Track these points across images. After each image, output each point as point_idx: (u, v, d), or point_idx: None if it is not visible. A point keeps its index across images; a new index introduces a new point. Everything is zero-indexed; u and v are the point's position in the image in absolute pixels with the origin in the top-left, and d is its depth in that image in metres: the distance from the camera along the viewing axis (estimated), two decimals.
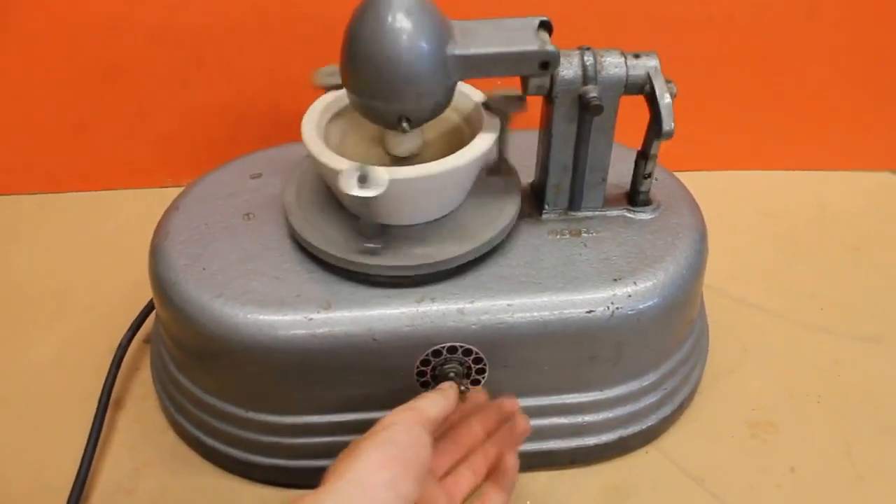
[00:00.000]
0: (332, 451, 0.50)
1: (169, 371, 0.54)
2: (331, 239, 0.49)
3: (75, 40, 0.71)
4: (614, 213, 0.54)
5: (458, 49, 0.44)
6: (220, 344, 0.48)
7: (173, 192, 0.78)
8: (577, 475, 0.53)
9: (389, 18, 0.43)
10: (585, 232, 0.52)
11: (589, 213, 0.53)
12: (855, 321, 0.64)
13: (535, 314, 0.48)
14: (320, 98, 0.52)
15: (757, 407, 0.58)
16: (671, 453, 0.55)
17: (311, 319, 0.47)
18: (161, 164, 0.78)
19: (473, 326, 0.47)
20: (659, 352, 0.53)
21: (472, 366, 0.49)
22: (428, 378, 0.49)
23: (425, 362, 0.48)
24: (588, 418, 0.52)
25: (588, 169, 0.51)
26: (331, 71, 0.50)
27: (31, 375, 0.60)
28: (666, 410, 0.55)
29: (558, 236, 0.52)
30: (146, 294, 0.64)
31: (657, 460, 0.54)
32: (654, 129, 0.48)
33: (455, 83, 0.46)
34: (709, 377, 0.59)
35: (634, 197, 0.54)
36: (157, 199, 0.77)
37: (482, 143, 0.47)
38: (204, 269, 0.50)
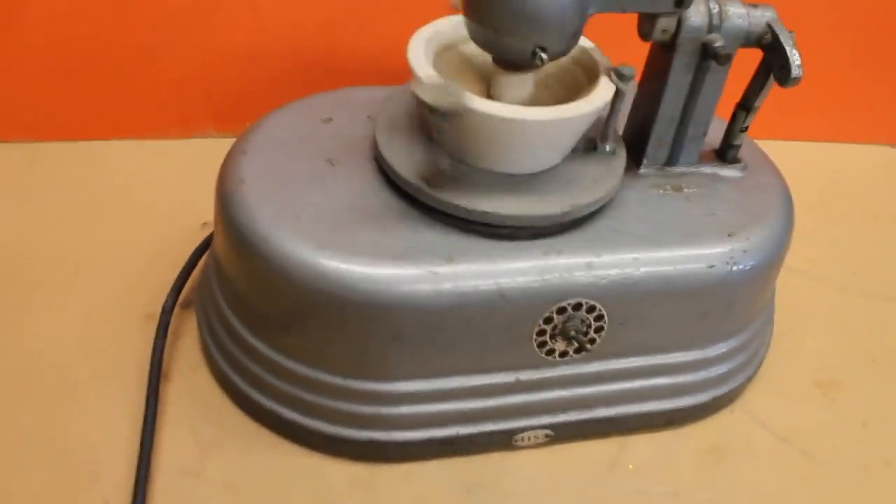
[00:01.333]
0: (433, 421, 0.48)
1: (238, 337, 0.48)
2: (449, 188, 0.45)
3: None
4: (707, 169, 0.53)
5: None
6: (328, 303, 0.43)
7: (181, 145, 0.72)
8: (673, 437, 0.52)
9: None
10: (686, 187, 0.51)
11: (685, 169, 0.52)
12: (887, 284, 0.67)
13: (660, 268, 0.46)
14: (420, 31, 0.48)
15: (820, 367, 0.59)
16: (755, 413, 0.55)
17: (434, 273, 0.43)
18: (168, 114, 0.70)
19: (603, 281, 0.45)
20: (754, 310, 0.52)
21: (593, 323, 0.46)
22: (547, 338, 0.46)
23: (548, 320, 0.45)
24: (688, 378, 0.51)
25: (693, 123, 0.50)
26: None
27: (55, 355, 0.52)
28: (750, 370, 0.55)
29: (661, 191, 0.51)
30: (168, 254, 0.58)
31: (743, 420, 0.54)
32: (779, 75, 0.47)
33: (589, 16, 0.44)
34: (773, 340, 0.60)
35: (726, 153, 0.53)
36: (164, 151, 0.71)
37: (605, 91, 0.45)
38: (298, 217, 0.45)
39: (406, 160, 0.46)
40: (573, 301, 0.45)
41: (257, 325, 0.47)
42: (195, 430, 0.49)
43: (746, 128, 0.52)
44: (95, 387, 0.50)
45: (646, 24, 0.46)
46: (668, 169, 0.52)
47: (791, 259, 0.68)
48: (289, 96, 0.72)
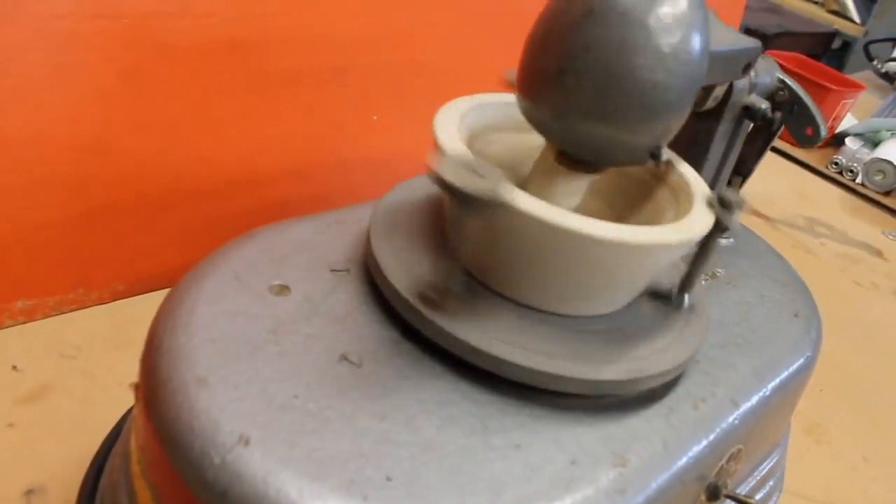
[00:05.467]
0: None
1: None
2: (556, 356, 0.31)
3: None
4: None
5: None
6: None
7: None
8: None
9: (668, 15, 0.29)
10: (716, 271, 0.44)
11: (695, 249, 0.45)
12: None
13: (775, 376, 0.38)
14: (456, 102, 0.33)
15: (798, 411, 0.57)
16: (795, 490, 0.50)
17: (621, 491, 0.29)
18: None
19: (748, 416, 0.35)
20: None
21: (733, 469, 0.37)
22: None
23: (709, 488, 0.34)
24: (774, 478, 0.44)
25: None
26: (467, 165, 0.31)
27: None
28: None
29: (703, 283, 0.43)
30: None
31: (790, 500, 0.50)
32: (805, 133, 0.43)
33: None
34: None
35: (718, 223, 0.48)
36: None
37: (704, 214, 0.34)
38: (389, 478, 0.26)
39: (481, 327, 0.31)
40: (731, 452, 0.35)
41: None
42: None
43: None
44: None
45: (702, 96, 0.38)
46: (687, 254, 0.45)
47: None
48: (71, 250, 0.49)
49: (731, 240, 0.48)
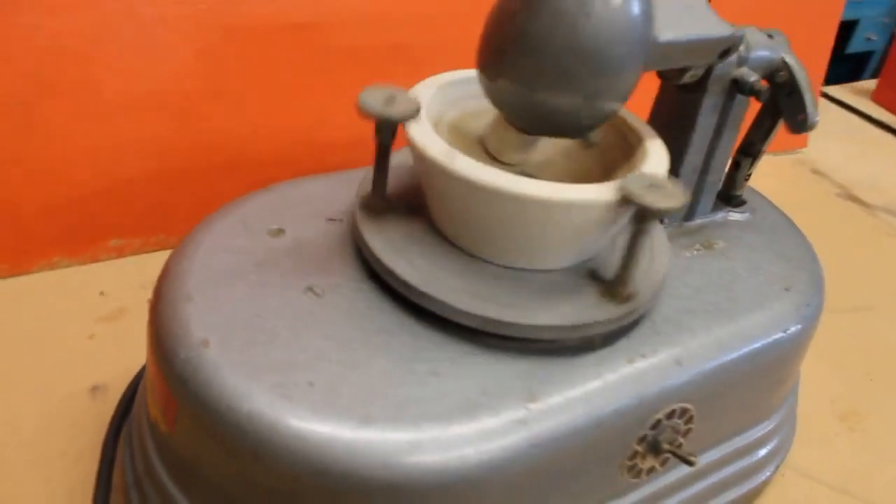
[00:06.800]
0: None
1: None
2: (493, 299, 0.34)
3: None
4: (720, 217, 0.47)
5: (664, 34, 0.34)
6: (393, 493, 0.30)
7: (18, 285, 0.53)
8: None
9: None
10: (715, 243, 0.45)
11: (702, 222, 0.46)
12: (846, 296, 0.66)
13: (742, 344, 0.39)
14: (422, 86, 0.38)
15: (835, 398, 0.56)
16: (803, 469, 0.50)
17: (521, 421, 0.32)
18: None
19: (696, 377, 0.37)
20: (801, 361, 0.47)
21: (682, 428, 0.38)
22: (637, 460, 0.37)
23: (642, 439, 0.36)
24: (760, 454, 0.45)
25: (713, 168, 0.44)
26: (385, 96, 0.35)
27: None
28: (795, 426, 0.50)
29: (694, 252, 0.44)
30: (55, 438, 0.43)
31: (796, 481, 0.49)
32: (795, 119, 0.42)
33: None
34: None
35: (730, 198, 0.48)
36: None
37: (660, 154, 0.37)
38: (311, 383, 0.32)
39: (428, 274, 0.35)
40: (668, 409, 0.36)
41: None
42: None
43: (749, 175, 0.47)
44: None
45: (674, 73, 0.39)
46: (687, 224, 0.46)
47: None
48: (156, 201, 0.57)
49: (747, 214, 0.48)
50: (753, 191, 0.51)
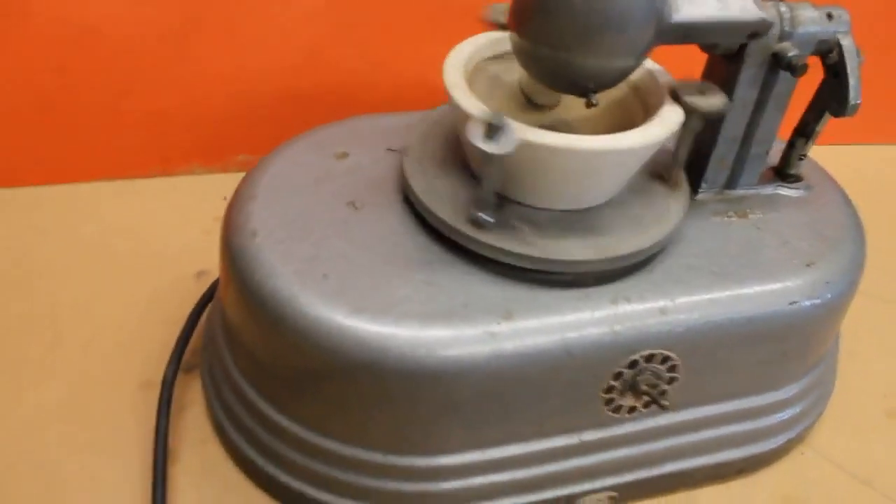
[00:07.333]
0: (487, 494, 0.42)
1: (256, 409, 0.42)
2: (498, 230, 0.39)
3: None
4: (768, 190, 0.48)
5: (680, 13, 0.37)
6: (369, 373, 0.37)
7: (162, 184, 0.65)
8: (744, 487, 0.47)
9: None
10: (751, 213, 0.46)
11: (745, 192, 0.47)
12: None
13: (739, 308, 0.41)
14: (451, 59, 0.42)
15: (888, 394, 0.54)
16: (828, 453, 0.50)
17: (492, 334, 0.37)
18: (148, 151, 0.63)
19: (678, 328, 0.39)
20: (827, 342, 0.48)
21: (665, 375, 0.41)
22: (615, 395, 0.41)
23: (618, 375, 0.40)
24: (763, 423, 0.46)
25: (756, 141, 0.45)
26: (505, 8, 0.40)
27: (35, 431, 0.45)
28: (822, 407, 0.50)
29: (725, 218, 0.45)
30: (160, 310, 0.51)
31: (817, 463, 0.49)
32: (836, 102, 0.42)
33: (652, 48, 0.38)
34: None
35: (785, 175, 0.48)
36: (146, 192, 0.64)
37: (661, 130, 0.39)
38: (325, 275, 0.38)
39: (445, 200, 0.40)
40: (646, 353, 0.39)
41: (279, 397, 0.41)
42: None
43: (805, 156, 0.47)
44: (92, 470, 0.43)
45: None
46: (728, 192, 0.47)
47: None
48: (281, 125, 0.65)
49: (801, 191, 0.48)
50: (819, 170, 0.51)
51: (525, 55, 0.38)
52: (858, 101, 0.42)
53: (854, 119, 0.79)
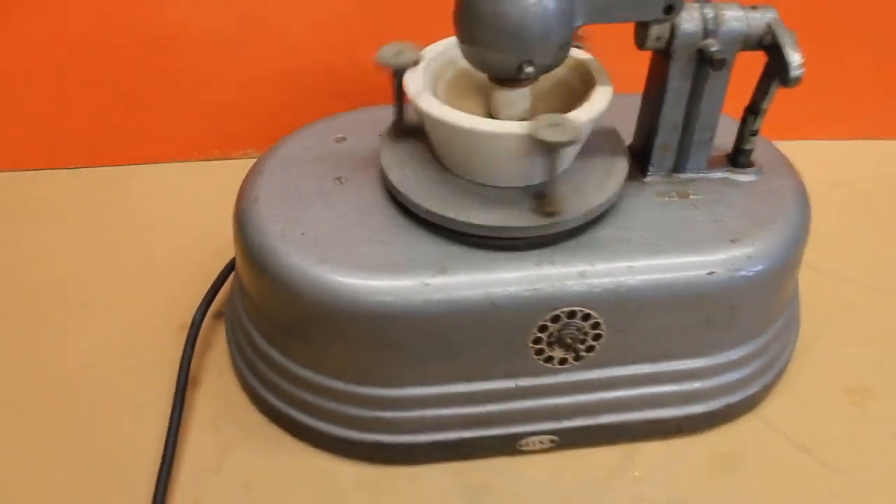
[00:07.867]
0: (437, 425, 0.49)
1: (256, 346, 0.51)
2: (444, 200, 0.46)
3: (116, 8, 0.68)
4: (717, 175, 0.52)
5: None
6: (327, 313, 0.45)
7: (221, 165, 0.77)
8: (683, 444, 0.52)
9: None
10: (693, 194, 0.51)
11: (693, 175, 0.52)
12: None
13: (657, 276, 0.46)
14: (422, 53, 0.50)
15: (850, 373, 0.57)
16: (774, 421, 0.53)
17: (427, 284, 0.44)
18: (209, 137, 0.75)
19: (595, 290, 0.45)
20: (767, 316, 0.51)
21: (590, 331, 0.47)
22: (544, 346, 0.47)
23: (543, 328, 0.46)
24: (697, 385, 0.51)
25: (698, 128, 0.50)
26: (396, 50, 0.48)
27: (98, 361, 0.57)
28: (769, 377, 0.54)
29: (666, 198, 0.50)
30: (205, 271, 0.61)
31: (760, 428, 0.53)
32: (779, 76, 0.46)
33: (577, 27, 0.44)
34: (799, 345, 0.58)
35: (737, 158, 0.52)
36: (207, 172, 0.75)
37: (603, 99, 0.46)
38: (303, 233, 0.47)
39: (406, 175, 0.48)
40: (566, 309, 0.45)
41: (271, 335, 0.50)
42: (217, 430, 0.52)
43: (756, 131, 0.51)
44: (131, 390, 0.54)
45: (640, 33, 0.46)
46: (676, 176, 0.52)
47: (819, 261, 0.66)
48: (323, 114, 0.75)
49: (751, 176, 0.52)
50: (780, 158, 0.54)
51: (461, 49, 0.45)
52: (799, 72, 0.46)
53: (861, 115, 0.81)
